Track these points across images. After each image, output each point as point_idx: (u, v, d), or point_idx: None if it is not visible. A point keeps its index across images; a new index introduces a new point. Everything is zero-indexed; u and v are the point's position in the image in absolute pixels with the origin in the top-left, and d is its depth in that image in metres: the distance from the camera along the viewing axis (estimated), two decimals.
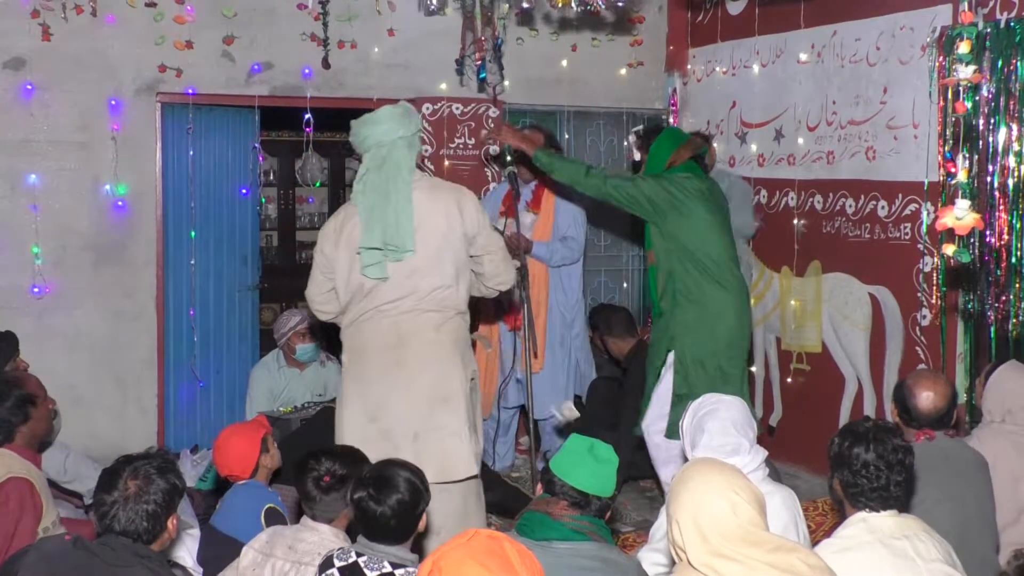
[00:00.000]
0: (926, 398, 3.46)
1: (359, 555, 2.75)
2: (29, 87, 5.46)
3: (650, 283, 4.71)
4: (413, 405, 3.69)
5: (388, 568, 2.73)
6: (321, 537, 3.10)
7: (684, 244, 4.42)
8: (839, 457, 2.81)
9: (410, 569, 2.74)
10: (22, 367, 4.53)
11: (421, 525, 2.90)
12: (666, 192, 4.41)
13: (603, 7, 4.62)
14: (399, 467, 2.91)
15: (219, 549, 3.57)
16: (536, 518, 2.83)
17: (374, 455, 3.39)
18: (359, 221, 3.68)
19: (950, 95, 4.71)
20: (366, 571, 2.72)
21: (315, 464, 3.17)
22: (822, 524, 4.59)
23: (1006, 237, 4.58)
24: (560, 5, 4.59)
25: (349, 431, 3.73)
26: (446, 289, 3.72)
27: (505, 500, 4.97)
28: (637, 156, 4.80)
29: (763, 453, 3.16)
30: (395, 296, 3.68)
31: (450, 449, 3.69)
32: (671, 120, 6.82)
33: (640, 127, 4.96)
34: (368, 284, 3.70)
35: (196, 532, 3.95)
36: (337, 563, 2.75)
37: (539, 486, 2.97)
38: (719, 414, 3.15)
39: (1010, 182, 4.54)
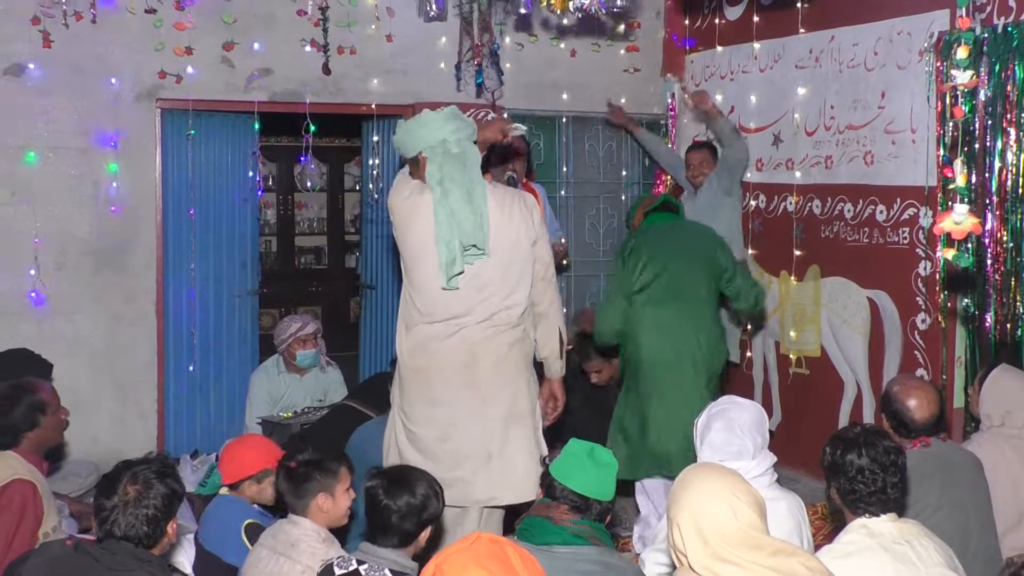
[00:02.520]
0: (920, 407, 3.46)
1: (360, 563, 2.76)
2: (30, 93, 5.47)
3: None
4: (487, 425, 3.59)
5: (354, 566, 2.73)
6: (302, 530, 3.12)
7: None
8: (833, 466, 2.81)
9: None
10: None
11: (423, 537, 2.90)
12: (615, 287, 4.65)
13: (603, 11, 4.63)
14: (421, 474, 2.95)
15: (207, 566, 3.56)
16: (537, 523, 2.84)
17: (445, 476, 3.31)
18: (440, 215, 3.49)
19: (948, 100, 4.73)
20: (336, 569, 2.74)
21: (286, 460, 3.26)
22: (821, 528, 4.60)
23: (1005, 241, 4.60)
24: (558, 11, 4.59)
25: (425, 451, 3.60)
26: (515, 307, 3.60)
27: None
28: None
29: (771, 458, 3.15)
30: (466, 314, 3.55)
31: (525, 468, 3.60)
32: (669, 125, 6.84)
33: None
34: (437, 295, 3.55)
35: None
36: (338, 571, 2.76)
37: (539, 491, 2.98)
38: (728, 415, 3.15)
39: (1008, 186, 4.56)
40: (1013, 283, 4.58)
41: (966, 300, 4.85)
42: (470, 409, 3.59)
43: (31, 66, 5.47)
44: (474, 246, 3.51)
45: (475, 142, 3.64)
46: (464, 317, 3.56)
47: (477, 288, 3.55)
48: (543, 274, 3.69)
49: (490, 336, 3.58)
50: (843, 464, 2.78)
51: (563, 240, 5.63)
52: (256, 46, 5.87)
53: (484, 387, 3.58)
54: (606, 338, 4.67)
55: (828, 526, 4.58)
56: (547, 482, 2.92)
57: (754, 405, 3.25)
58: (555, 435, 4.24)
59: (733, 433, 3.10)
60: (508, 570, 2.11)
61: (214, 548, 3.53)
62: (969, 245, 4.50)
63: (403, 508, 2.83)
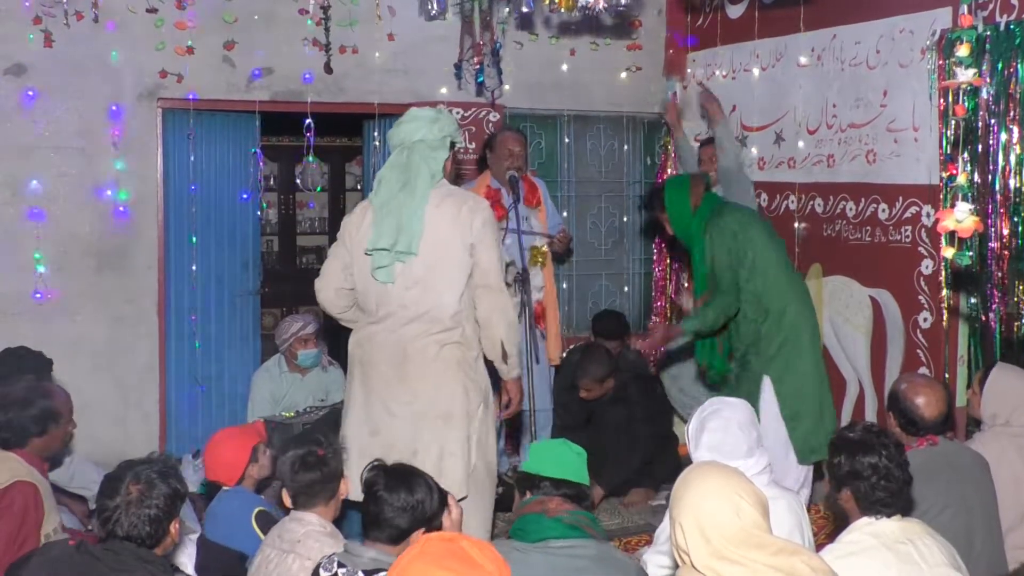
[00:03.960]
0: (929, 404, 3.45)
1: (341, 566, 2.77)
2: (31, 93, 5.47)
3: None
4: (413, 421, 3.65)
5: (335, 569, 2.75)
6: (307, 527, 3.12)
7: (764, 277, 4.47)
8: (853, 473, 2.77)
9: (384, 573, 2.75)
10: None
11: (415, 537, 2.89)
12: (730, 257, 4.42)
13: (604, 7, 4.62)
14: (424, 476, 2.96)
15: (213, 559, 3.57)
16: (531, 519, 2.83)
17: None
18: (371, 220, 3.66)
19: (950, 98, 4.72)
20: (322, 572, 2.75)
21: (296, 449, 3.28)
22: (823, 527, 4.59)
23: (1008, 239, 4.59)
24: (563, 9, 4.59)
25: (352, 443, 3.69)
26: (443, 307, 3.62)
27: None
28: (669, 229, 4.75)
29: (768, 456, 3.16)
30: (400, 312, 3.64)
31: (446, 468, 3.62)
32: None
33: (641, 203, 5.02)
34: (376, 291, 3.66)
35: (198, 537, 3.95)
36: (323, 572, 2.76)
37: (526, 494, 2.98)
38: (722, 414, 3.15)
39: (1011, 184, 4.55)
40: (1016, 281, 4.58)
41: (969, 299, 4.84)
42: (399, 404, 3.66)
43: (32, 66, 5.47)
44: (402, 249, 3.57)
45: (449, 142, 3.71)
46: (397, 315, 3.64)
47: (406, 286, 3.62)
48: (481, 281, 3.66)
49: (421, 335, 3.63)
50: (862, 469, 2.75)
51: (563, 231, 5.61)
52: (257, 45, 5.86)
53: (414, 384, 3.64)
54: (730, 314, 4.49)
55: (830, 525, 4.58)
56: (532, 481, 2.93)
57: (744, 403, 3.25)
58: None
59: (729, 432, 3.10)
60: (469, 563, 2.09)
61: (223, 540, 3.57)
62: (968, 242, 4.53)
63: (398, 504, 2.82)
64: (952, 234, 3.33)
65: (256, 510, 3.66)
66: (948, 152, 4.80)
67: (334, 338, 6.27)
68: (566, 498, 2.88)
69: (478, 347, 3.75)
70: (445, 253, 3.62)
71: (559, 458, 2.95)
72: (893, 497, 2.74)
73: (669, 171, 6.77)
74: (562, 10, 4.59)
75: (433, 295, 3.63)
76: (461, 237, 3.62)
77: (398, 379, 3.66)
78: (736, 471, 2.46)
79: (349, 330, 3.93)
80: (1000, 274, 4.62)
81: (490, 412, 3.81)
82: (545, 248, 5.48)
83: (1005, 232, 4.59)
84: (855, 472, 2.77)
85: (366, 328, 3.74)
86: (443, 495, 2.98)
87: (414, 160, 3.64)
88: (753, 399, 4.27)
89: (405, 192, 3.61)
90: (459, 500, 3.61)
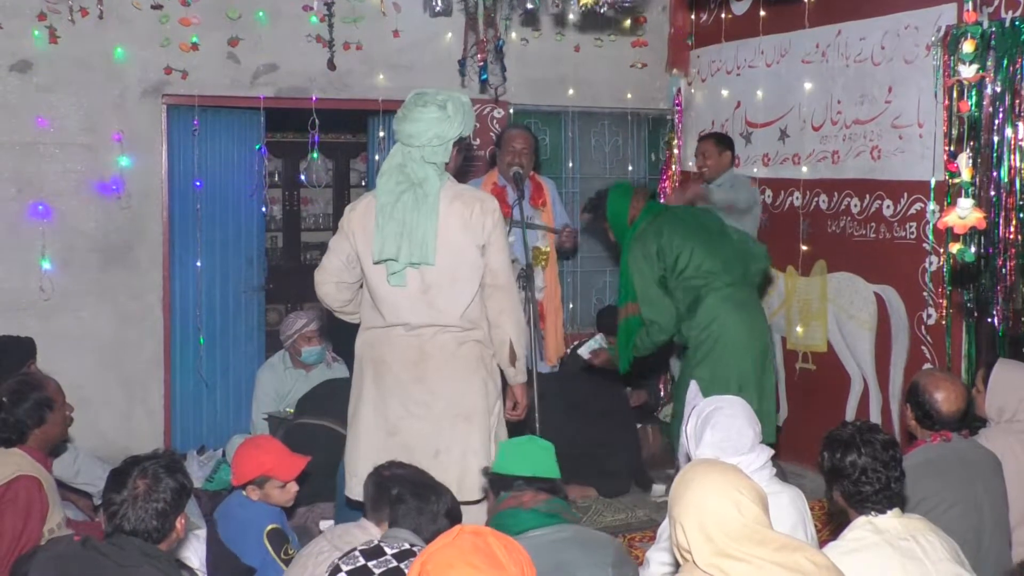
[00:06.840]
0: (947, 400, 3.44)
1: (382, 541, 2.80)
2: (36, 89, 5.48)
3: (620, 339, 4.78)
4: (434, 421, 3.60)
5: (407, 546, 2.76)
6: (370, 536, 3.14)
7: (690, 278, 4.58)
8: (835, 471, 2.80)
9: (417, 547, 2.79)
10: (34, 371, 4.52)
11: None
12: (651, 272, 4.57)
13: (616, 6, 4.64)
14: (430, 477, 3.07)
15: (224, 564, 3.57)
16: (508, 514, 2.91)
17: None
18: (377, 225, 3.55)
19: (955, 94, 4.71)
20: (386, 548, 2.75)
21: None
22: (827, 524, 4.59)
23: (1013, 235, 4.58)
24: (583, 5, 4.60)
25: (367, 444, 3.63)
26: (459, 309, 3.60)
27: None
28: (611, 236, 4.92)
29: (768, 452, 3.15)
30: (413, 314, 3.59)
31: (470, 468, 3.58)
32: (676, 120, 6.83)
33: (587, 207, 5.13)
34: (389, 295, 3.59)
35: (203, 533, 3.95)
36: (360, 547, 2.78)
37: (489, 493, 3.04)
38: (723, 412, 3.14)
39: (1016, 180, 4.54)
40: (1021, 278, 4.57)
41: (973, 295, 4.84)
42: (418, 404, 3.61)
43: (37, 62, 5.47)
44: (416, 260, 3.51)
45: (458, 138, 3.60)
46: (413, 318, 3.59)
47: (422, 290, 3.57)
48: (491, 281, 3.64)
49: (439, 334, 3.60)
50: (843, 467, 2.77)
51: (567, 228, 5.59)
52: (261, 42, 5.87)
53: (433, 384, 3.60)
54: (670, 332, 4.62)
55: (832, 522, 4.58)
56: (505, 481, 2.99)
57: (741, 401, 3.24)
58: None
59: (730, 430, 3.10)
60: (493, 563, 2.09)
61: (234, 547, 3.57)
62: (972, 238, 4.52)
63: (437, 509, 2.94)
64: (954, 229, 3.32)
65: (269, 528, 3.64)
66: (952, 148, 4.80)
67: (338, 334, 6.29)
68: (539, 490, 2.95)
69: (493, 347, 3.74)
70: (459, 257, 3.57)
71: (529, 456, 3.00)
72: (877, 494, 2.73)
73: (673, 168, 6.76)
74: (581, 5, 4.60)
75: (449, 298, 3.59)
76: (474, 240, 3.57)
77: (415, 379, 3.61)
78: (734, 468, 2.45)
79: (352, 327, 3.92)
80: (1005, 270, 4.62)
81: (503, 410, 3.81)
82: (547, 250, 5.47)
83: (1010, 228, 4.59)
84: (838, 470, 2.79)
85: (377, 329, 3.67)
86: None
87: (415, 159, 3.54)
88: (680, 402, 4.33)
89: (412, 196, 3.52)
90: (476, 501, 3.62)
